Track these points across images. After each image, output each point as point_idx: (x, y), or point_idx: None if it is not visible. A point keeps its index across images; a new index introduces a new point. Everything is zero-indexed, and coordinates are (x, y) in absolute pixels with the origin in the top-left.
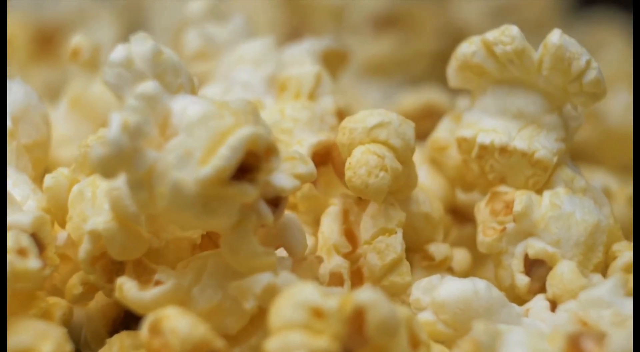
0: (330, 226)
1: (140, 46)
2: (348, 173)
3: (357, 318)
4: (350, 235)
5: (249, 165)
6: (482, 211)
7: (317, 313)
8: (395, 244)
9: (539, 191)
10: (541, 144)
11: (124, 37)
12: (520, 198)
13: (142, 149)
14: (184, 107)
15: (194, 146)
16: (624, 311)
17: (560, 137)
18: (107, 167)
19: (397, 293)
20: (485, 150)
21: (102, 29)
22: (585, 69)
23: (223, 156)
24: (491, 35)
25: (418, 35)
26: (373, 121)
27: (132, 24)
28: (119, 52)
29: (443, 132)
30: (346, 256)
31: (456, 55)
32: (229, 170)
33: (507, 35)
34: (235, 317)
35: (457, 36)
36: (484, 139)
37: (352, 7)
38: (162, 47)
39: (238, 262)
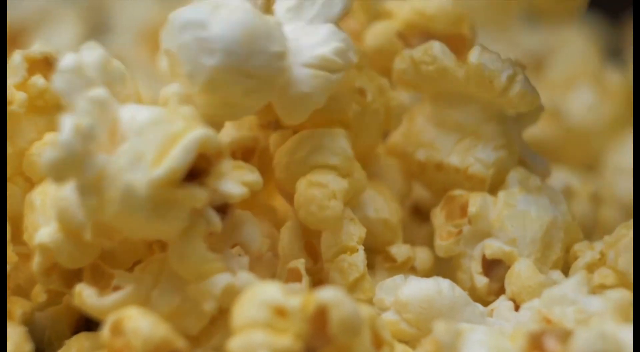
0: (290, 243)
1: (90, 54)
2: (300, 212)
3: (320, 317)
4: (310, 247)
5: (199, 170)
6: (438, 215)
7: (280, 312)
8: (357, 262)
9: (494, 192)
10: (476, 157)
11: (87, 38)
12: (474, 200)
13: (93, 153)
14: (133, 114)
15: (145, 149)
16: (587, 308)
17: (500, 144)
18: (58, 171)
19: None
20: (423, 167)
21: (65, 29)
22: (509, 84)
23: (175, 157)
24: (416, 53)
25: None
26: (305, 148)
27: (95, 24)
28: (68, 59)
29: (399, 137)
30: (308, 270)
31: (393, 69)
32: (181, 171)
33: (429, 55)
34: (196, 319)
35: None
36: (420, 156)
37: None
38: (111, 57)
39: (186, 268)
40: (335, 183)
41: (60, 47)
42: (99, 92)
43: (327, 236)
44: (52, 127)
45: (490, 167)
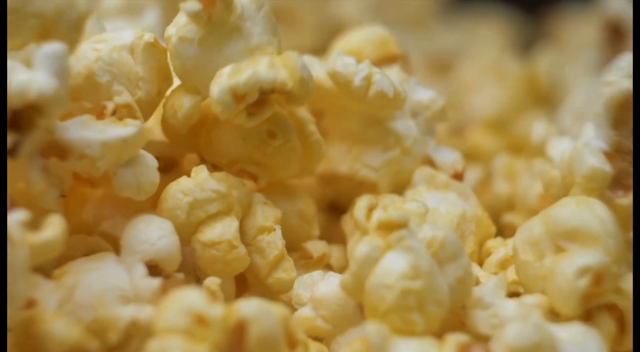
0: None
1: None
2: (210, 272)
3: (239, 330)
4: None
5: None
6: (348, 222)
7: (200, 320)
8: (275, 240)
9: (401, 192)
10: (364, 163)
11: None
12: (382, 202)
13: None
14: None
15: None
16: (502, 313)
17: (389, 146)
18: None
19: (284, 290)
20: (322, 178)
21: None
22: (366, 87)
23: None
24: None
25: (297, 30)
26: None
27: None
28: None
29: None
30: None
31: None
32: None
33: None
34: (102, 342)
35: (337, 32)
36: (318, 169)
37: None
38: None
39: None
40: (226, 230)
41: None
42: None
43: (244, 222)
44: None
45: (378, 169)
